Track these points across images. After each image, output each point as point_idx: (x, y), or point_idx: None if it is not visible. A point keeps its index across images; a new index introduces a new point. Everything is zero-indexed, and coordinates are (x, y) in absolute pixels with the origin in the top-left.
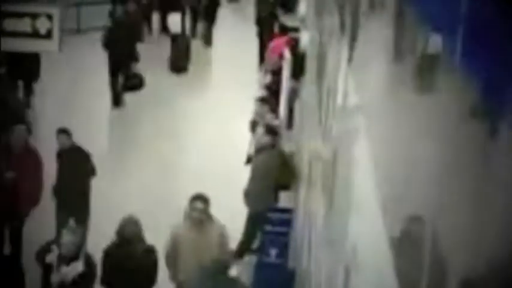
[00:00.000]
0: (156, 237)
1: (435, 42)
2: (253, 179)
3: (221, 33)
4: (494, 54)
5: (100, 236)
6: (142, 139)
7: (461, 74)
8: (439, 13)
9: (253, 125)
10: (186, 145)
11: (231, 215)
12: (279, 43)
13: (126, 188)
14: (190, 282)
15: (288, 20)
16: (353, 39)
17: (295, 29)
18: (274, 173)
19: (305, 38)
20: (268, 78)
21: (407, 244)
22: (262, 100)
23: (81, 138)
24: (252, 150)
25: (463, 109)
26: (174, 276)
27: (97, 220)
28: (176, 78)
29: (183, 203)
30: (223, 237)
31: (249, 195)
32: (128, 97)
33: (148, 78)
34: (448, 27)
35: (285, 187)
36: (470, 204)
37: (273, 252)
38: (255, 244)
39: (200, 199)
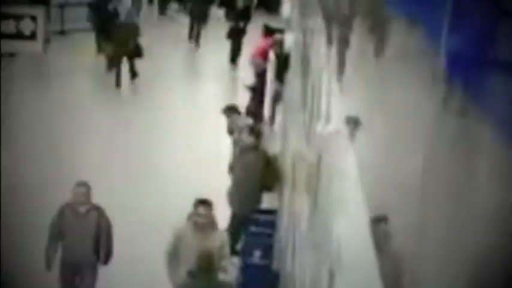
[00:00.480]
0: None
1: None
2: (237, 180)
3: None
4: (478, 50)
5: None
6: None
7: (445, 72)
8: (423, 10)
9: (230, 130)
10: (174, 149)
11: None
12: (264, 45)
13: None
14: (187, 284)
15: (273, 22)
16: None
17: (280, 30)
18: (258, 174)
19: (289, 39)
20: (252, 80)
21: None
22: (228, 109)
23: (67, 139)
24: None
25: (446, 107)
26: (172, 277)
27: None
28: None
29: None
30: (224, 243)
31: (233, 196)
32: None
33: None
34: (433, 24)
35: (268, 188)
36: (452, 204)
37: (257, 253)
38: (239, 245)
39: (204, 204)
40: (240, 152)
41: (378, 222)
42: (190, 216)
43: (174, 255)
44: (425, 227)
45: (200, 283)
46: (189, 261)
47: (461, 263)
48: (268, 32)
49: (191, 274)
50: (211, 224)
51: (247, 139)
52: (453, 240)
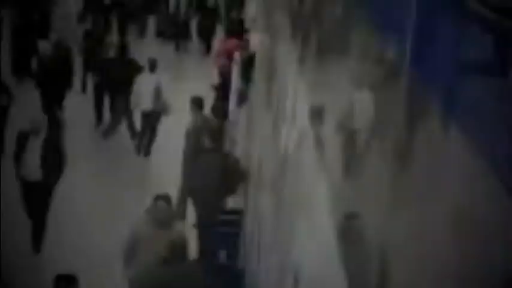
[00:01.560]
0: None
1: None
2: (200, 182)
3: None
4: (444, 56)
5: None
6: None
7: (412, 77)
8: (389, 17)
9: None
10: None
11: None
12: (229, 45)
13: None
14: (144, 275)
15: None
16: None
17: (245, 31)
18: (220, 176)
19: (255, 40)
20: (216, 81)
21: (349, 240)
22: (194, 101)
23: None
24: None
25: (413, 108)
26: (127, 271)
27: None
28: None
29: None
30: (182, 238)
31: (197, 198)
32: None
33: None
34: (399, 31)
35: (232, 191)
36: (418, 201)
37: (223, 254)
38: (205, 245)
39: (163, 199)
40: (202, 154)
41: (350, 219)
42: (149, 211)
43: (131, 250)
44: (393, 226)
45: (171, 271)
46: (145, 256)
47: (427, 260)
48: (233, 32)
49: (165, 261)
50: (169, 220)
51: (208, 141)
52: (421, 238)
